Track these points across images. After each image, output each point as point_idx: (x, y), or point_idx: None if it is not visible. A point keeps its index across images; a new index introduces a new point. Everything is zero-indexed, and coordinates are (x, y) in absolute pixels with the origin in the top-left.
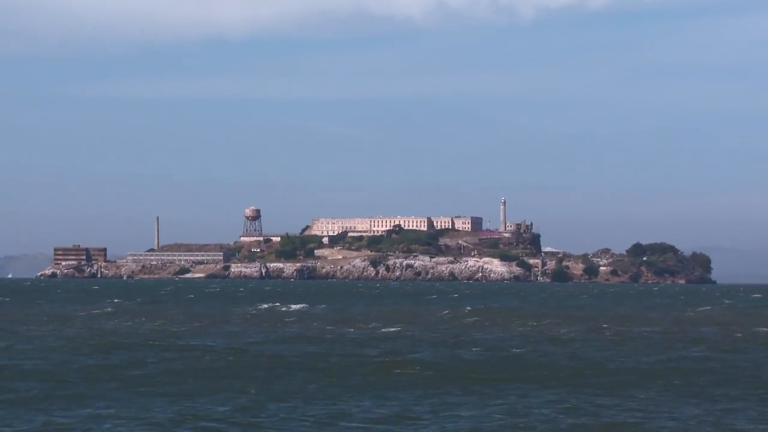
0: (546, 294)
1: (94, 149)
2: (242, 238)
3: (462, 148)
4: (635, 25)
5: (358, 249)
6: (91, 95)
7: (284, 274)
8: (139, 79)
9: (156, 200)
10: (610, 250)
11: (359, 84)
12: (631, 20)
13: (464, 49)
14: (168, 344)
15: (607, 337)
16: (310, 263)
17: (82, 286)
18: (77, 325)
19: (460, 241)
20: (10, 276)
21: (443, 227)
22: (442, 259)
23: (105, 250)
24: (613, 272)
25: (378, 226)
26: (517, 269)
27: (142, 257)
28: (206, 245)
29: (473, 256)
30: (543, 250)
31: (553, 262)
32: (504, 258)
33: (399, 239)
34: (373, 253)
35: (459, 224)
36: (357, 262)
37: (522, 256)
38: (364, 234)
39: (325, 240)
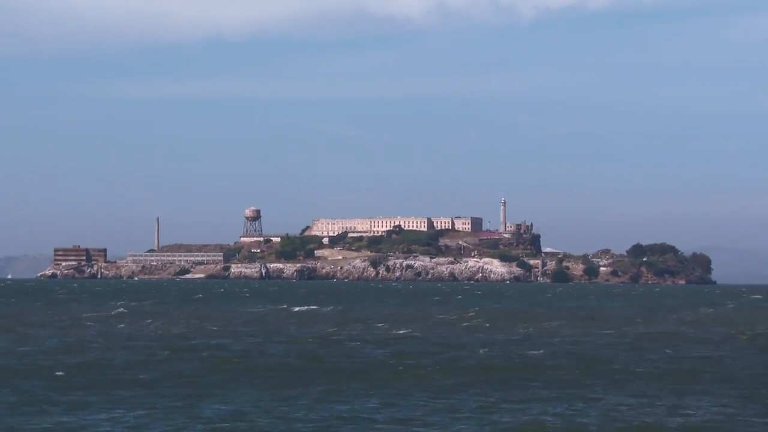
0: (550, 295)
1: (94, 149)
2: (242, 239)
3: (462, 149)
4: (635, 26)
5: (358, 249)
6: (92, 95)
7: (284, 275)
8: (139, 79)
9: (156, 200)
10: (610, 250)
11: (359, 84)
12: (631, 21)
13: (464, 50)
14: (203, 345)
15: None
16: (310, 264)
17: (91, 288)
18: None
19: (460, 242)
20: (9, 277)
21: (443, 228)
22: (442, 259)
23: (105, 250)
24: (613, 273)
25: (378, 226)
26: (517, 270)
27: (142, 258)
28: (206, 246)
29: (473, 256)
30: (543, 251)
31: (553, 262)
32: (504, 258)
33: (399, 240)
34: (373, 253)
35: (459, 225)
36: (357, 262)
37: (522, 256)
38: (364, 234)
39: (326, 240)
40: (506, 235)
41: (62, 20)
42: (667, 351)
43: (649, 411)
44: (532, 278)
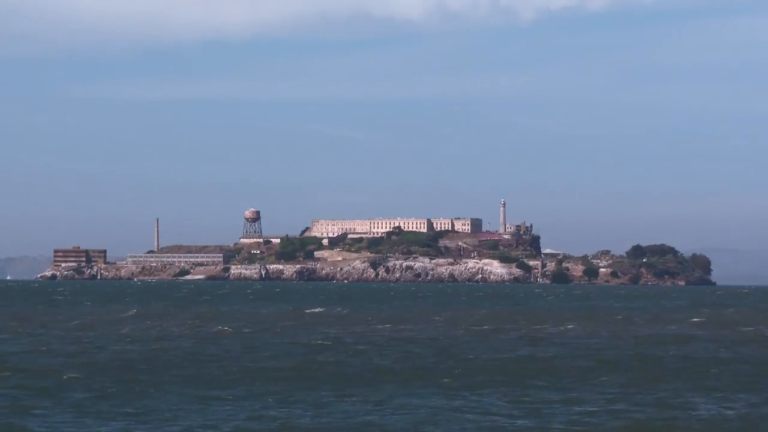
0: (553, 296)
1: (94, 151)
2: (242, 240)
3: (462, 150)
4: (635, 27)
5: (357, 251)
6: (92, 97)
7: (284, 276)
8: (139, 80)
9: (156, 202)
10: (609, 251)
11: (359, 85)
12: (631, 21)
13: (464, 51)
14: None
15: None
16: (309, 265)
17: (94, 289)
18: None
19: (459, 243)
20: (9, 278)
21: (443, 229)
22: (441, 260)
23: (105, 251)
24: (613, 274)
25: (378, 227)
26: (516, 271)
27: (142, 259)
28: (206, 247)
29: (473, 257)
30: (543, 252)
31: (553, 263)
32: (504, 260)
33: (399, 241)
34: (372, 254)
35: (459, 226)
36: (357, 263)
37: (522, 257)
38: (363, 236)
39: (325, 242)
40: (506, 236)
41: (62, 22)
42: (672, 352)
43: (658, 411)
44: (532, 279)
